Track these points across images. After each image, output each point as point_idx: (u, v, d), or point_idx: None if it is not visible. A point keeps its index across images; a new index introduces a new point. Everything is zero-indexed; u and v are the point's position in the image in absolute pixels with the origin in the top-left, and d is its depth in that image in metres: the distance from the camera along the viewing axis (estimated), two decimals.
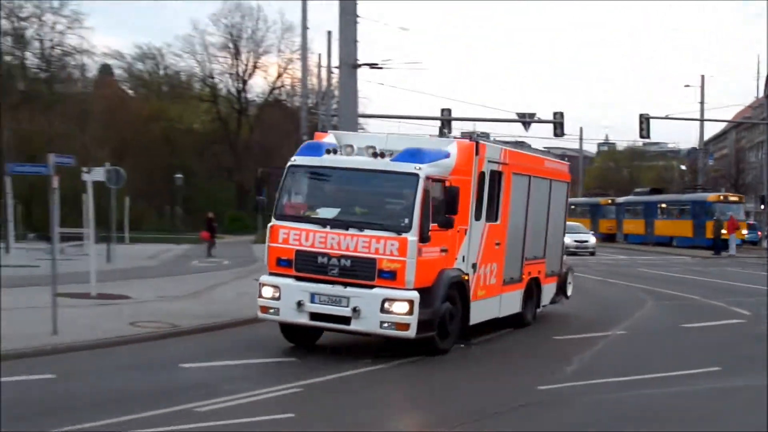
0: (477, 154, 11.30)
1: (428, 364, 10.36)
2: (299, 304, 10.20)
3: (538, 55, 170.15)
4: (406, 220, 10.01)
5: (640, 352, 12.45)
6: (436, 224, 10.25)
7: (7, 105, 46.52)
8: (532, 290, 14.30)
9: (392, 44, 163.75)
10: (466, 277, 11.19)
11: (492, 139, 13.84)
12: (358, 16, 19.54)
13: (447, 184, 10.25)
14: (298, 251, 10.40)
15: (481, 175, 11.53)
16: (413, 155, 10.40)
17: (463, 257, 11.12)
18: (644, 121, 36.11)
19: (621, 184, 71.83)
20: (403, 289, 9.92)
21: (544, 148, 30.25)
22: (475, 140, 11.63)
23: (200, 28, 53.63)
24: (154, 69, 59.27)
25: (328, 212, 10.69)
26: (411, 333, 9.87)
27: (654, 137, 41.86)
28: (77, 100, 52.08)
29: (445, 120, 32.05)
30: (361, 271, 10.10)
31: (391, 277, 9.94)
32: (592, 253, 36.23)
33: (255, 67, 55.87)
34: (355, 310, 9.94)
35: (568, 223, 18.99)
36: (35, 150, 31.41)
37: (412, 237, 9.90)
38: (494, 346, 12.39)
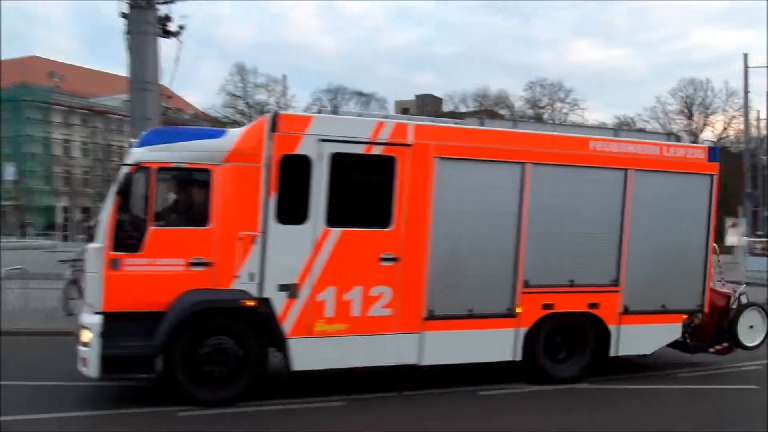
0: (275, 130, 8.08)
1: None
2: None
3: None
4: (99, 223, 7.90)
5: None
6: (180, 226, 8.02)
7: None
8: (580, 332, 9.65)
9: None
10: (252, 303, 7.96)
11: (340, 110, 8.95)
12: None
13: (131, 171, 7.66)
14: None
15: (295, 159, 8.13)
16: (154, 138, 8.17)
17: (251, 275, 8.01)
18: None
19: None
20: (91, 313, 7.77)
21: None
22: (273, 113, 8.31)
23: (662, 101, 66.21)
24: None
25: None
26: (92, 371, 7.56)
27: None
28: None
29: None
30: None
31: None
32: None
33: (705, 124, 66.43)
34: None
35: None
36: None
37: (95, 244, 7.76)
38: None
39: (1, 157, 61.31)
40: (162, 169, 7.76)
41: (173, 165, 7.84)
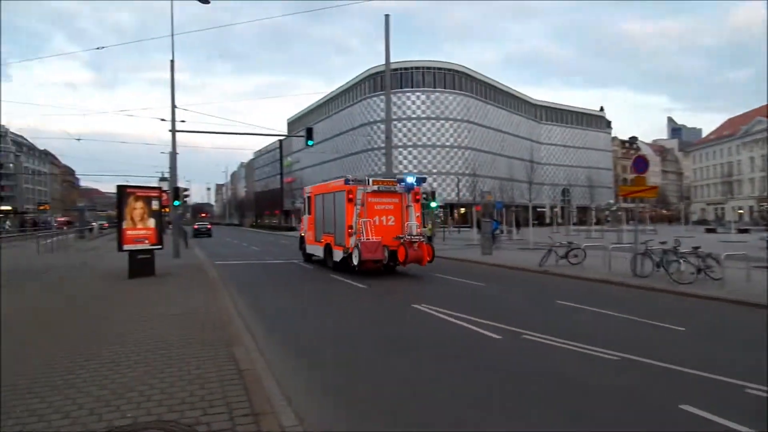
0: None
1: None
2: None
3: None
4: None
5: None
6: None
7: None
8: (329, 249, 24.04)
9: None
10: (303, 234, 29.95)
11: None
12: None
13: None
14: None
15: (310, 198, 26.97)
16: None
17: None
18: None
19: None
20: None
21: None
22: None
23: None
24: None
25: None
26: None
27: None
28: None
29: None
30: None
31: None
32: None
33: None
34: None
35: None
36: None
37: None
38: None
39: None
40: None
41: None
